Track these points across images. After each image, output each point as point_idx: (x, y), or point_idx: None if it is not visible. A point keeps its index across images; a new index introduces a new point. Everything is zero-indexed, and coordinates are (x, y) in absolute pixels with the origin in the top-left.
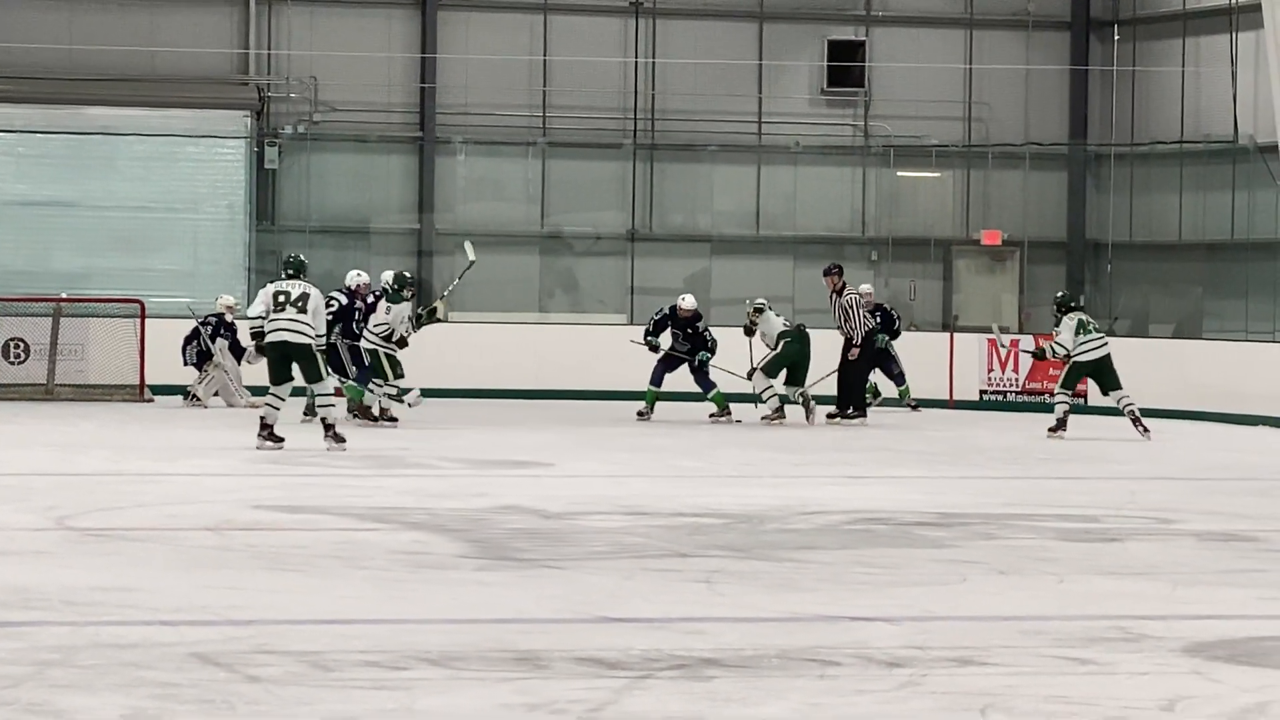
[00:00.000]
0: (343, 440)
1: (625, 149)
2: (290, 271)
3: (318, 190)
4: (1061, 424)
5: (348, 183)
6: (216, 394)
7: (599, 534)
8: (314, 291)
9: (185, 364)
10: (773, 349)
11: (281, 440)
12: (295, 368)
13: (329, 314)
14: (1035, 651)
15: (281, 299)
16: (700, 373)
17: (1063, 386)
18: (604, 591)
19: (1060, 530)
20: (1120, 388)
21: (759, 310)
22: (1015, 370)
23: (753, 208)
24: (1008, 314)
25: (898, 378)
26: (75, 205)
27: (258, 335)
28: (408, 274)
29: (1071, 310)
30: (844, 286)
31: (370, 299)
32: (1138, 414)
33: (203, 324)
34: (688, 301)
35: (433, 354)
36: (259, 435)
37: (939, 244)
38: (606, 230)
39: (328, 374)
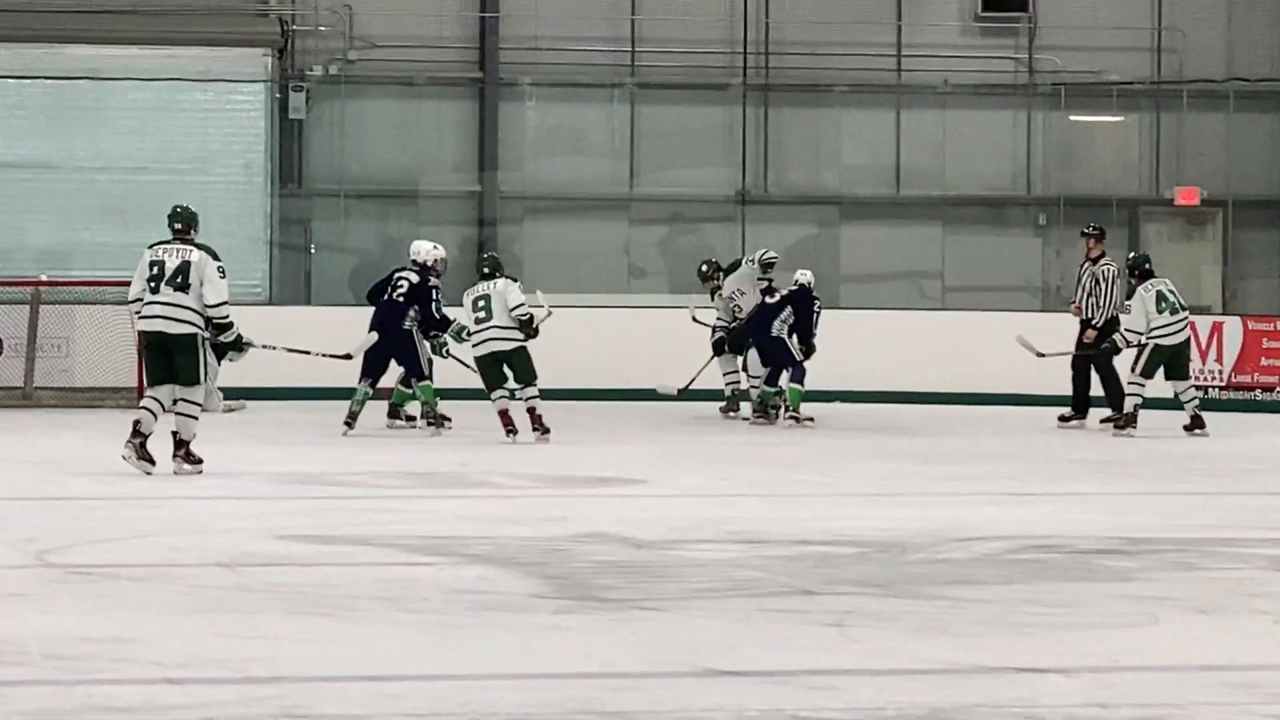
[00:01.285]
0: (198, 462)
1: (733, 91)
2: (178, 226)
3: (354, 145)
4: (1131, 419)
5: (391, 136)
6: None
7: (704, 567)
8: (197, 258)
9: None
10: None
11: (153, 462)
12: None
13: (399, 296)
14: (1244, 709)
15: (155, 272)
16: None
17: (1142, 374)
18: (711, 638)
19: (1274, 559)
20: (1189, 377)
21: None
22: (1219, 360)
23: (891, 162)
24: (1208, 290)
25: None
26: (55, 167)
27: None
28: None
29: (1148, 277)
30: (1103, 254)
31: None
32: (1199, 411)
33: None
34: (806, 278)
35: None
36: (128, 443)
37: (1122, 204)
38: (710, 191)
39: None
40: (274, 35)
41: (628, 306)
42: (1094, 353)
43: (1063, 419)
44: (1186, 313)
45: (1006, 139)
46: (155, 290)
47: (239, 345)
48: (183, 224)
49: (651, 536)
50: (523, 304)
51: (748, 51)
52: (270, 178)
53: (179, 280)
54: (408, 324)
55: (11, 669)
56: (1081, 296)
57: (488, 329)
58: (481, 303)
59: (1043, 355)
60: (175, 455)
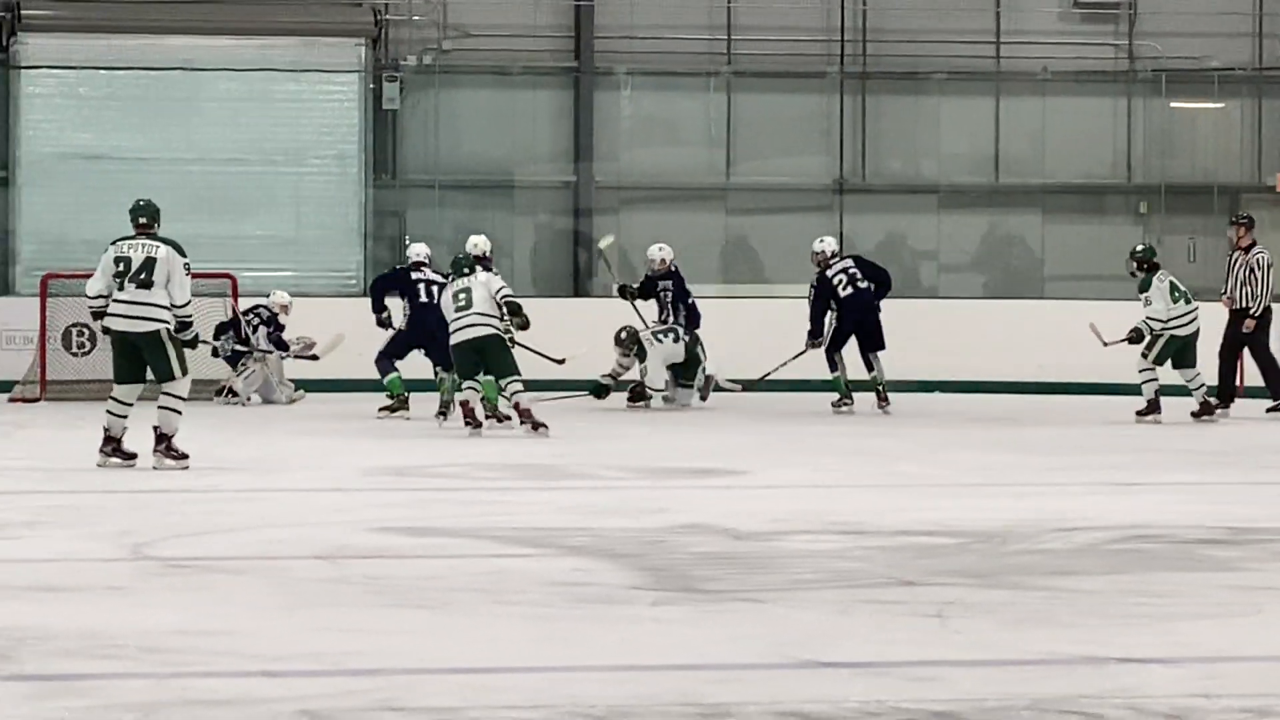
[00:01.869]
0: (182, 457)
1: (830, 79)
2: (142, 220)
3: (448, 135)
4: (1154, 406)
5: (486, 126)
6: (257, 390)
7: (804, 558)
8: (164, 254)
9: (216, 355)
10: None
11: (133, 456)
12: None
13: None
14: None
15: (120, 268)
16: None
17: (1156, 361)
18: (811, 630)
19: None
20: (1196, 365)
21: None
22: None
23: (990, 150)
24: None
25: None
26: (149, 159)
27: (98, 316)
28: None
29: (1156, 269)
30: (1254, 243)
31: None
32: (1208, 398)
33: (244, 315)
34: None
35: (590, 337)
36: (101, 451)
37: (1224, 192)
38: (808, 180)
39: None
40: (368, 25)
41: (723, 297)
42: (1125, 339)
43: (1215, 408)
44: (1196, 304)
45: (1106, 126)
46: (120, 288)
47: (192, 344)
48: (146, 218)
49: (751, 528)
50: (505, 288)
51: (845, 39)
52: (364, 168)
53: (143, 277)
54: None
55: (108, 662)
56: (1234, 286)
57: (466, 316)
58: (462, 295)
59: (1107, 344)
60: (156, 450)
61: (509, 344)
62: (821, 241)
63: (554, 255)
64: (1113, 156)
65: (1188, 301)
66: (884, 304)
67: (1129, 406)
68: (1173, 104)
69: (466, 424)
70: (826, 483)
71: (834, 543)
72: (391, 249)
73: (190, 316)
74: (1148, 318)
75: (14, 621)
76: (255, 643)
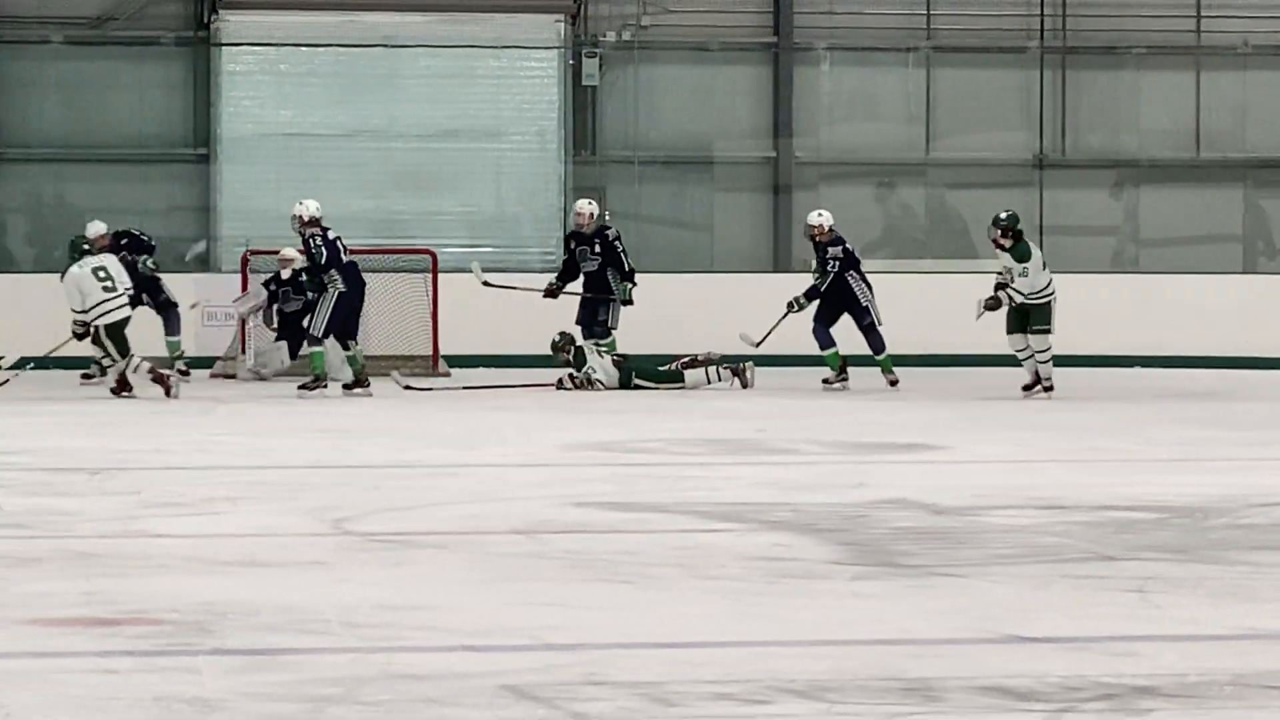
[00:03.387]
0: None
1: (1030, 55)
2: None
3: (648, 111)
4: (1038, 379)
5: (685, 102)
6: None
7: (1004, 533)
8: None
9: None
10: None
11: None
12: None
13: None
14: None
15: (103, 275)
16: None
17: (1046, 324)
18: (1011, 605)
19: None
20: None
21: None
22: None
23: (1191, 124)
24: None
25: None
26: (350, 135)
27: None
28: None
29: (1022, 235)
30: None
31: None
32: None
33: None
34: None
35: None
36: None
37: None
38: (1008, 155)
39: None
40: (567, 1)
41: (924, 272)
42: (986, 301)
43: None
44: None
45: None
46: (113, 289)
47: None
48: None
49: (951, 502)
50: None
51: (1045, 14)
52: (564, 145)
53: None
54: None
55: (311, 637)
56: None
57: (118, 296)
58: (103, 273)
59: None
60: None
61: None
62: (820, 215)
63: (754, 232)
64: None
65: (1048, 269)
66: (1085, 278)
67: None
68: None
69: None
70: (1026, 458)
71: (1034, 518)
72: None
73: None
74: (1015, 289)
75: (218, 596)
76: (456, 617)
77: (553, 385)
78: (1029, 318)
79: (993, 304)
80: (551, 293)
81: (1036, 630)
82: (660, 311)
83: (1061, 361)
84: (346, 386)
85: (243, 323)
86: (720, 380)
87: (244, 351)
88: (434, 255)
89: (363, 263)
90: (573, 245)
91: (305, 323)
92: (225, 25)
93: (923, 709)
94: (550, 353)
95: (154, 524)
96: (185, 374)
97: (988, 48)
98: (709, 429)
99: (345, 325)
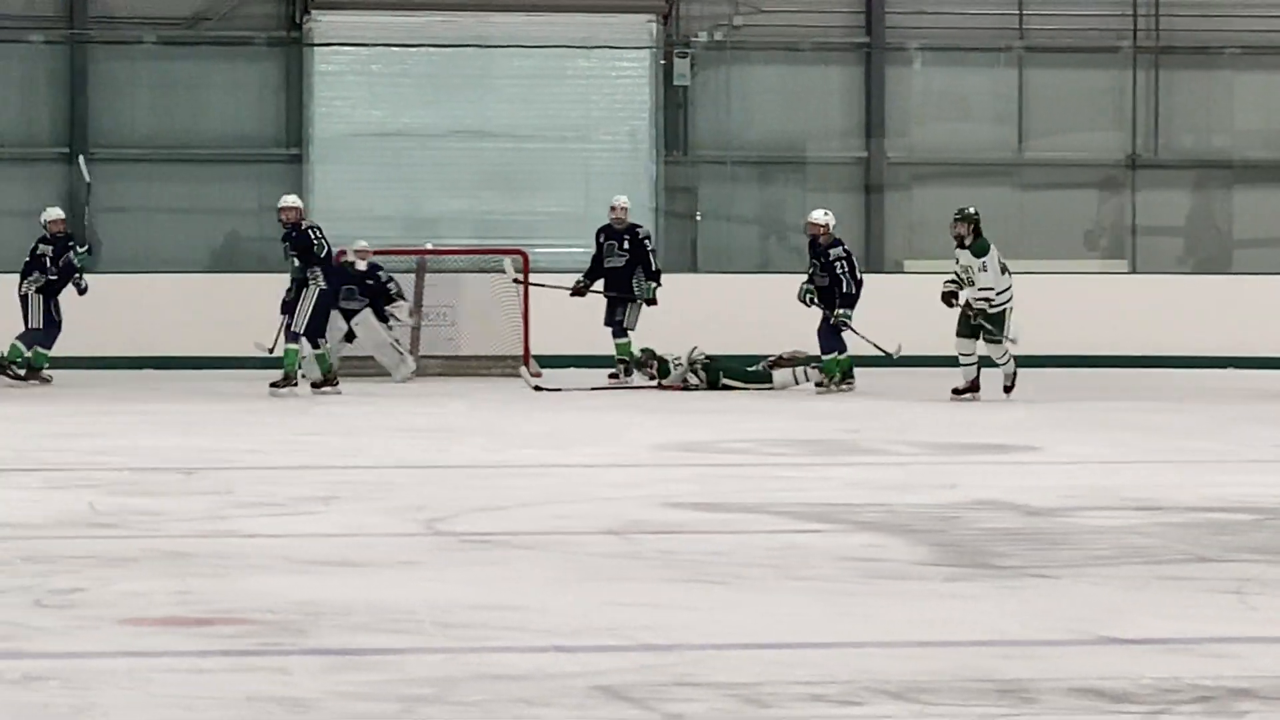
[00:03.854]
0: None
1: (1123, 54)
2: None
3: (740, 111)
4: (975, 386)
5: (777, 102)
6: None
7: (1098, 534)
8: None
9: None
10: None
11: None
12: None
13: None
14: None
15: None
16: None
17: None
18: (1105, 606)
19: None
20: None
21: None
22: None
23: None
24: None
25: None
26: (442, 135)
27: None
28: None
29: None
30: None
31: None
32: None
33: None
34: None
35: (883, 315)
36: None
37: None
38: (1100, 156)
39: None
40: (659, 2)
41: (1016, 273)
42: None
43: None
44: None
45: None
46: None
47: None
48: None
49: (1044, 503)
50: None
51: (1138, 14)
52: (655, 145)
53: None
54: None
55: (404, 637)
56: None
57: None
58: None
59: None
60: None
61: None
62: (827, 215)
63: (845, 232)
64: None
65: (1009, 274)
66: (1177, 279)
67: None
68: None
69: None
70: (1119, 458)
71: (1128, 518)
72: (683, 225)
73: None
74: (981, 288)
75: (311, 595)
76: (548, 617)
77: (652, 386)
78: (982, 326)
79: (948, 299)
80: (579, 291)
81: (1131, 632)
82: (749, 312)
83: (1152, 362)
84: (315, 385)
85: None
86: (808, 380)
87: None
88: (525, 255)
89: (453, 262)
90: (601, 239)
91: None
92: (317, 25)
93: (1016, 710)
94: (637, 370)
95: (246, 523)
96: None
97: (1080, 47)
98: (798, 429)
99: (320, 324)
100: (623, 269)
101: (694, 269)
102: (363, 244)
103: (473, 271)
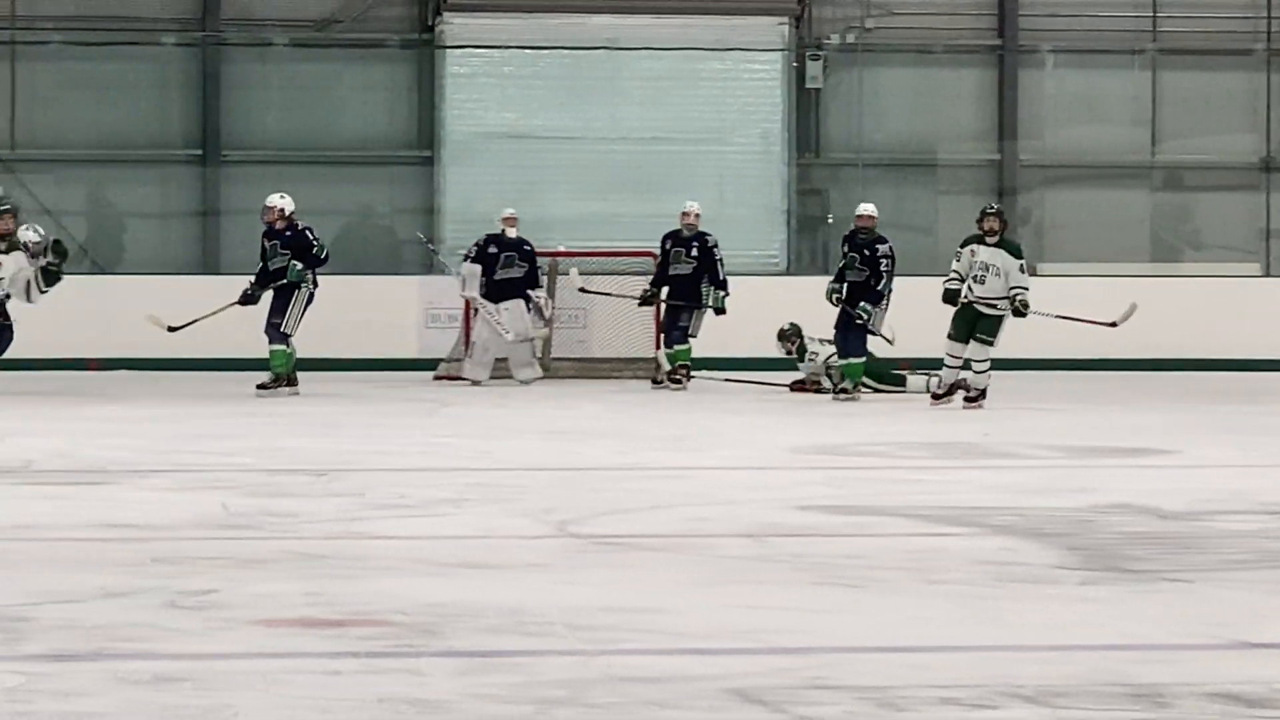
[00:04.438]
0: None
1: (1257, 57)
2: None
3: (871, 114)
4: (955, 389)
5: (909, 104)
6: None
7: (1233, 538)
8: None
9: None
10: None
11: None
12: None
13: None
14: None
15: None
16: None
17: (991, 337)
18: (1242, 610)
19: None
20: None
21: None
22: None
23: None
24: None
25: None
26: (573, 137)
27: None
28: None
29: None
30: None
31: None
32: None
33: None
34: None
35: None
36: None
37: None
38: (1234, 158)
39: None
40: (791, 4)
41: (1151, 275)
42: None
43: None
44: None
45: None
46: None
47: None
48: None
49: (1178, 507)
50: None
51: (1272, 15)
52: (787, 147)
53: None
54: None
55: (535, 639)
56: None
57: None
58: None
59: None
60: None
61: None
62: (872, 207)
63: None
64: None
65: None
66: None
67: None
68: None
69: None
70: (1252, 462)
71: (1263, 522)
72: (815, 228)
73: None
74: (1014, 286)
75: (443, 598)
76: (681, 620)
77: (785, 386)
78: (976, 325)
79: (1020, 308)
80: (647, 300)
81: (1268, 636)
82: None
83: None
84: (263, 386)
85: (467, 319)
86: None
87: (467, 351)
88: (656, 257)
89: (585, 265)
90: (668, 246)
91: None
92: (449, 28)
93: (1151, 715)
94: (776, 340)
95: (378, 525)
96: None
97: (1214, 50)
98: (931, 432)
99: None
100: (689, 276)
101: (825, 272)
102: (510, 211)
103: (604, 274)
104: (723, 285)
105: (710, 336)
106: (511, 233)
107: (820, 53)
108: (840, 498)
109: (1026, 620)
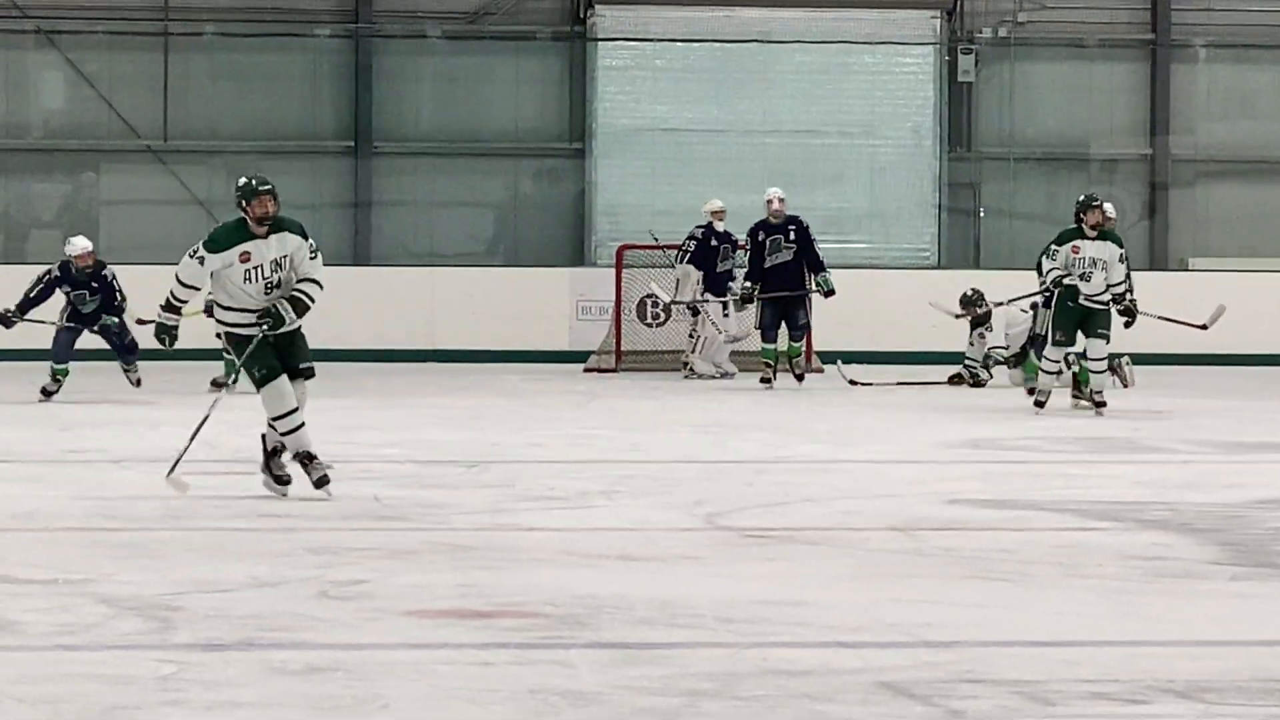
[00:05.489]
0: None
1: None
2: None
3: (1023, 108)
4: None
5: (1061, 98)
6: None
7: None
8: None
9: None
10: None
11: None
12: None
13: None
14: None
15: None
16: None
17: (1108, 330)
18: None
19: None
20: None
21: None
22: None
23: None
24: None
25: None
26: (724, 130)
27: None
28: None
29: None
30: None
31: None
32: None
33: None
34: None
35: (1167, 312)
36: None
37: None
38: None
39: None
40: None
41: None
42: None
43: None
44: None
45: None
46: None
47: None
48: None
49: None
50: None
51: None
52: (938, 141)
53: None
54: None
55: (685, 631)
56: None
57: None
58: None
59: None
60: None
61: None
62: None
63: (1129, 229)
64: None
65: None
66: None
67: None
68: None
69: None
70: None
71: None
72: (966, 221)
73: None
74: (1123, 284)
75: (593, 589)
76: (832, 614)
77: (943, 382)
78: (1090, 321)
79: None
80: (749, 298)
81: None
82: None
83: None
84: (217, 383)
85: (618, 315)
86: (1115, 377)
87: (619, 345)
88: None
89: (740, 258)
90: (761, 237)
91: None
92: (601, 20)
93: None
94: (960, 308)
95: (527, 517)
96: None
97: None
98: (1083, 427)
99: None
100: (791, 263)
101: (976, 265)
102: (717, 203)
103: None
104: (822, 267)
105: (860, 332)
106: (719, 226)
107: (972, 46)
108: (991, 492)
109: (1178, 616)
